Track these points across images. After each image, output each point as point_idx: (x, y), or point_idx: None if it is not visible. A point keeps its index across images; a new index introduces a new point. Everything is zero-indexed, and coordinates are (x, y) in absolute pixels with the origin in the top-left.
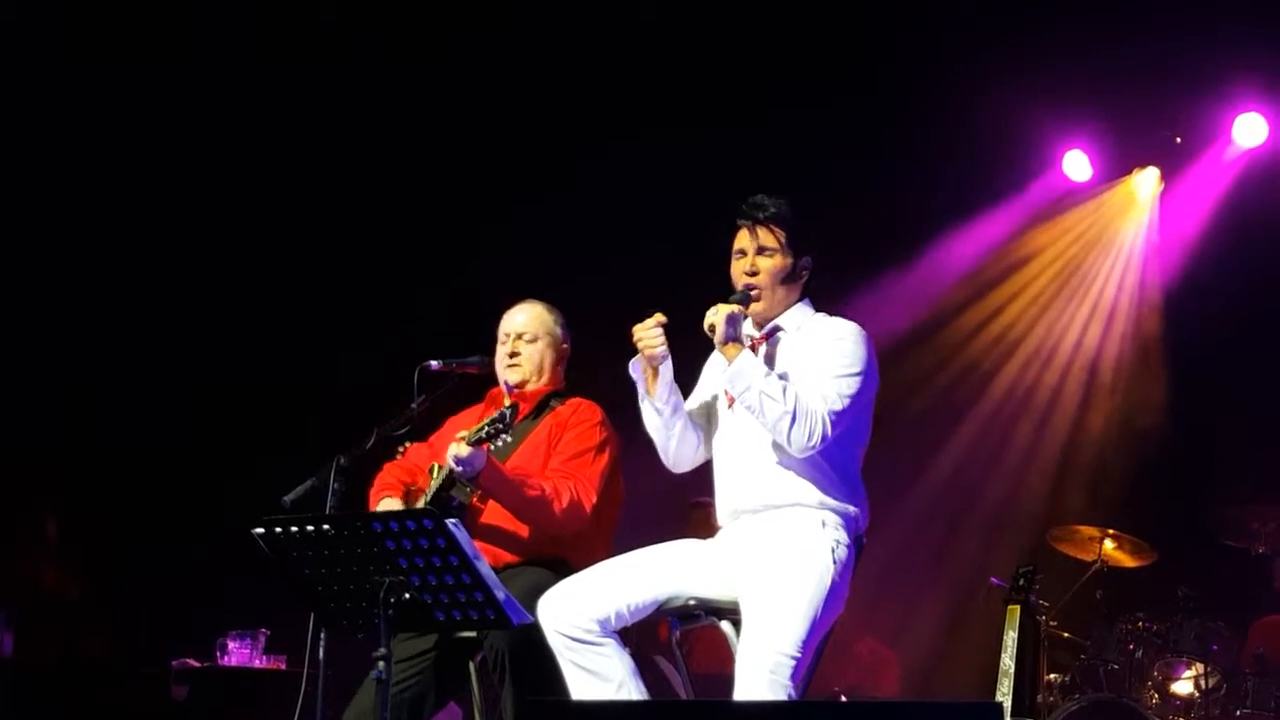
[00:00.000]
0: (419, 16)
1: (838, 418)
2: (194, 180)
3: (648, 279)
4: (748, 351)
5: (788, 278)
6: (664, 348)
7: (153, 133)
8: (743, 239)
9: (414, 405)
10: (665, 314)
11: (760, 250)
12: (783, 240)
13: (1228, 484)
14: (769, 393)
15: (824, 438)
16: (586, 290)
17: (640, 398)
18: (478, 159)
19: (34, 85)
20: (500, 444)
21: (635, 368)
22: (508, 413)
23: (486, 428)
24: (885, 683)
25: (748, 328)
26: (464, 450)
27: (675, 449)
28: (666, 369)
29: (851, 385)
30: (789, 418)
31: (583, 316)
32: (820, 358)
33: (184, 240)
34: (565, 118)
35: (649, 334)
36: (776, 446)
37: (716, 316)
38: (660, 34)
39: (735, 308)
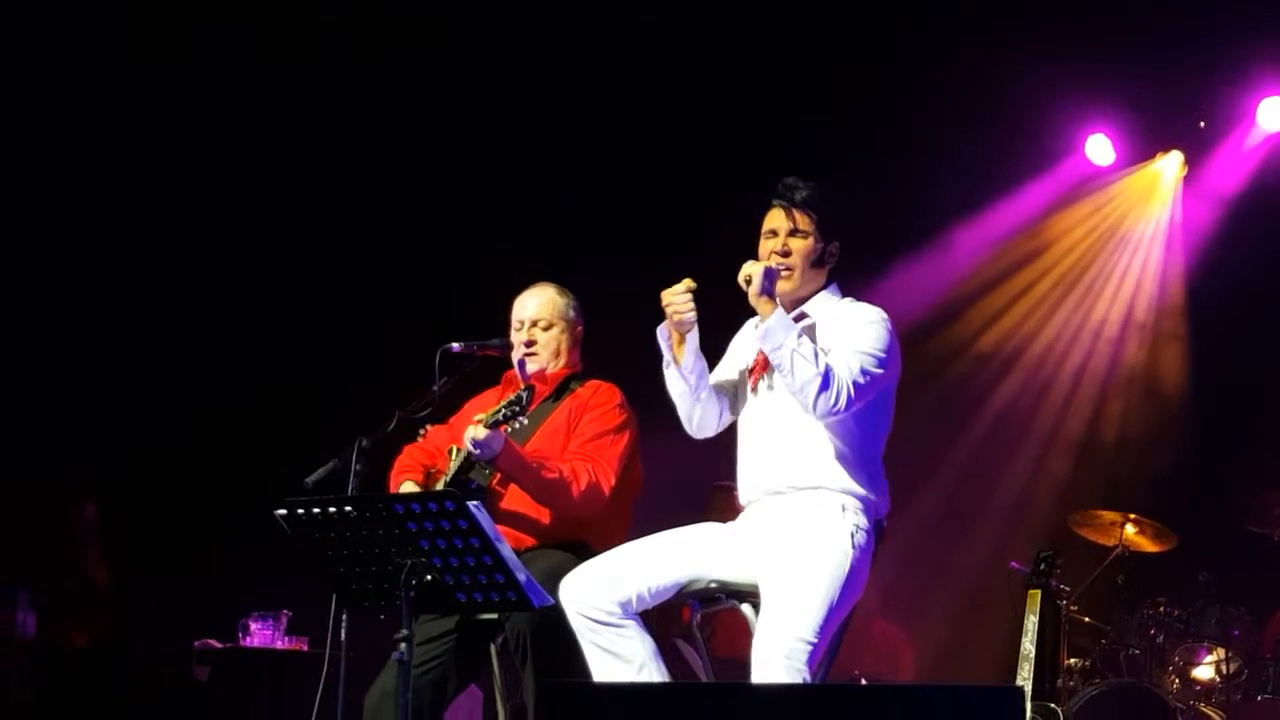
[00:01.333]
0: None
1: (860, 391)
2: (223, 170)
3: (670, 260)
4: (781, 309)
5: (817, 261)
6: (693, 314)
7: (173, 125)
8: (775, 219)
9: (435, 387)
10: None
11: (793, 231)
12: (815, 223)
13: (1249, 469)
14: (801, 353)
15: (848, 405)
16: (607, 273)
17: (665, 364)
18: (503, 145)
19: (48, 85)
20: (518, 425)
21: (663, 333)
22: (524, 394)
23: (504, 410)
24: (900, 665)
25: (752, 326)
26: (481, 433)
27: (699, 417)
28: (693, 337)
29: (877, 365)
30: (819, 380)
31: (604, 300)
32: (849, 335)
33: (205, 231)
34: (596, 107)
35: (678, 299)
36: (801, 428)
37: (755, 268)
38: (682, 27)
39: (772, 263)
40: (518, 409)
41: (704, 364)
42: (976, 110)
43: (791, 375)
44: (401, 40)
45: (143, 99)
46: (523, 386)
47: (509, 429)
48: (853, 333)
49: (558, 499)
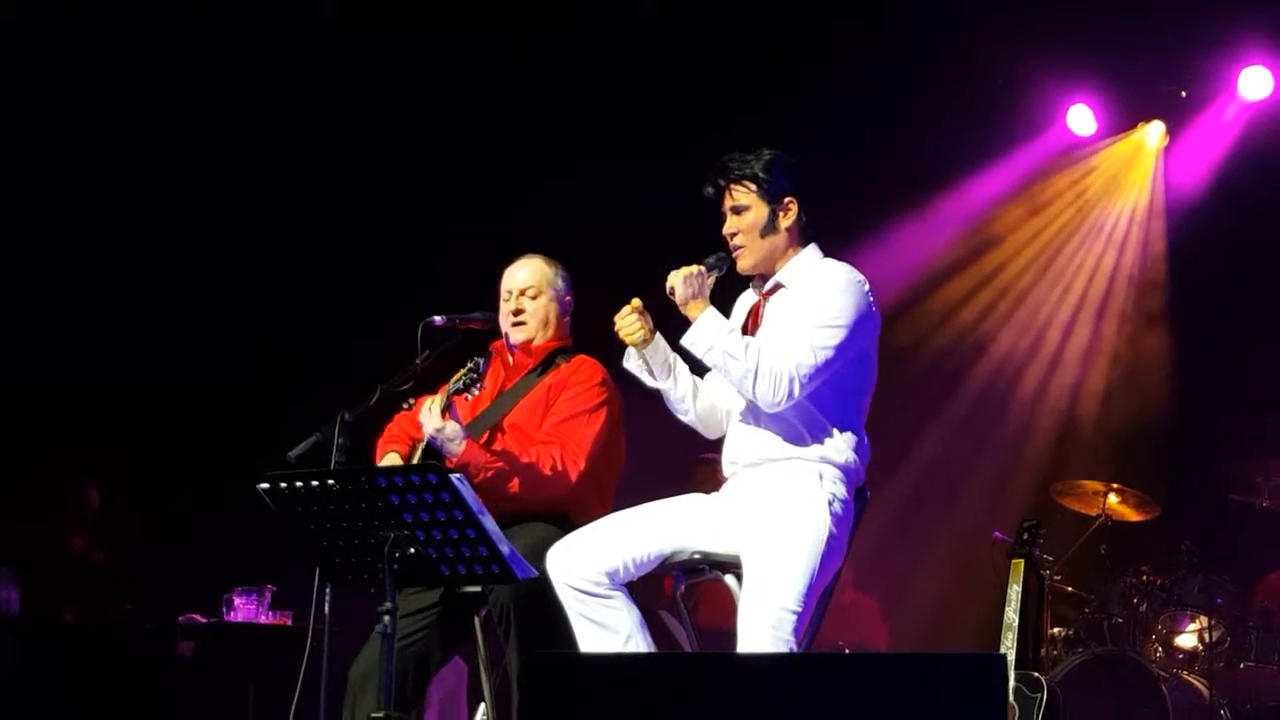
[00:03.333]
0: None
1: (814, 372)
2: (210, 151)
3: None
4: (710, 310)
5: (767, 228)
6: (642, 333)
7: (170, 119)
8: (723, 201)
9: (418, 361)
10: (642, 298)
11: (734, 209)
12: (754, 192)
13: (1231, 438)
14: (730, 351)
15: (791, 394)
16: (596, 248)
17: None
18: (493, 124)
19: (42, 73)
20: (477, 391)
21: (629, 361)
22: (481, 362)
23: (462, 379)
24: (870, 632)
25: (750, 295)
26: (432, 423)
27: (705, 418)
28: (655, 349)
29: (833, 336)
30: (752, 375)
31: (592, 275)
32: (802, 309)
33: (194, 211)
34: (589, 94)
35: (624, 320)
36: None
37: (675, 279)
38: (667, 13)
39: (693, 268)
40: (475, 377)
41: (684, 370)
42: (958, 81)
43: (728, 373)
44: (392, 24)
45: (134, 87)
46: (481, 356)
47: (467, 396)
48: (809, 309)
49: (522, 484)
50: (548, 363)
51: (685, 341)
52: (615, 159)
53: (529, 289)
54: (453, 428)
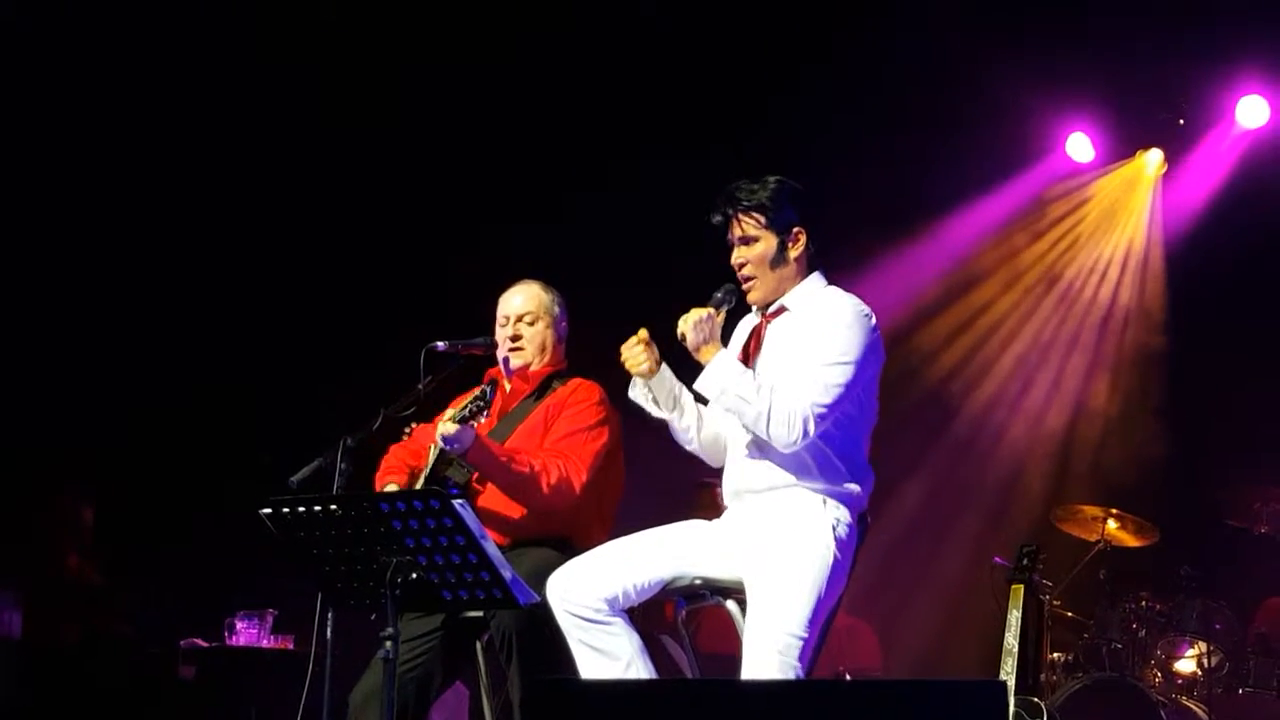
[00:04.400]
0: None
1: (827, 410)
2: (210, 163)
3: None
4: (722, 353)
5: (776, 259)
6: (649, 363)
7: (162, 131)
8: (730, 231)
9: (420, 386)
10: (647, 328)
11: (743, 240)
12: (762, 223)
13: (1229, 465)
14: (743, 394)
15: (805, 434)
16: (599, 276)
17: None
18: (496, 146)
19: (41, 76)
20: (483, 420)
21: (634, 392)
22: (488, 389)
23: (470, 406)
24: (866, 657)
25: (753, 317)
26: (451, 428)
27: (710, 447)
28: (661, 380)
29: (843, 374)
30: (765, 418)
31: (595, 301)
32: (811, 347)
33: (197, 231)
34: (594, 108)
35: (631, 353)
36: None
37: (685, 325)
38: (676, 27)
39: (703, 312)
40: (482, 404)
41: (689, 401)
42: (959, 109)
43: (741, 415)
44: (394, 37)
45: (136, 90)
46: (487, 383)
47: (474, 424)
48: (817, 345)
49: (528, 492)
50: (544, 388)
51: (699, 386)
52: (617, 187)
53: (526, 315)
54: (468, 431)
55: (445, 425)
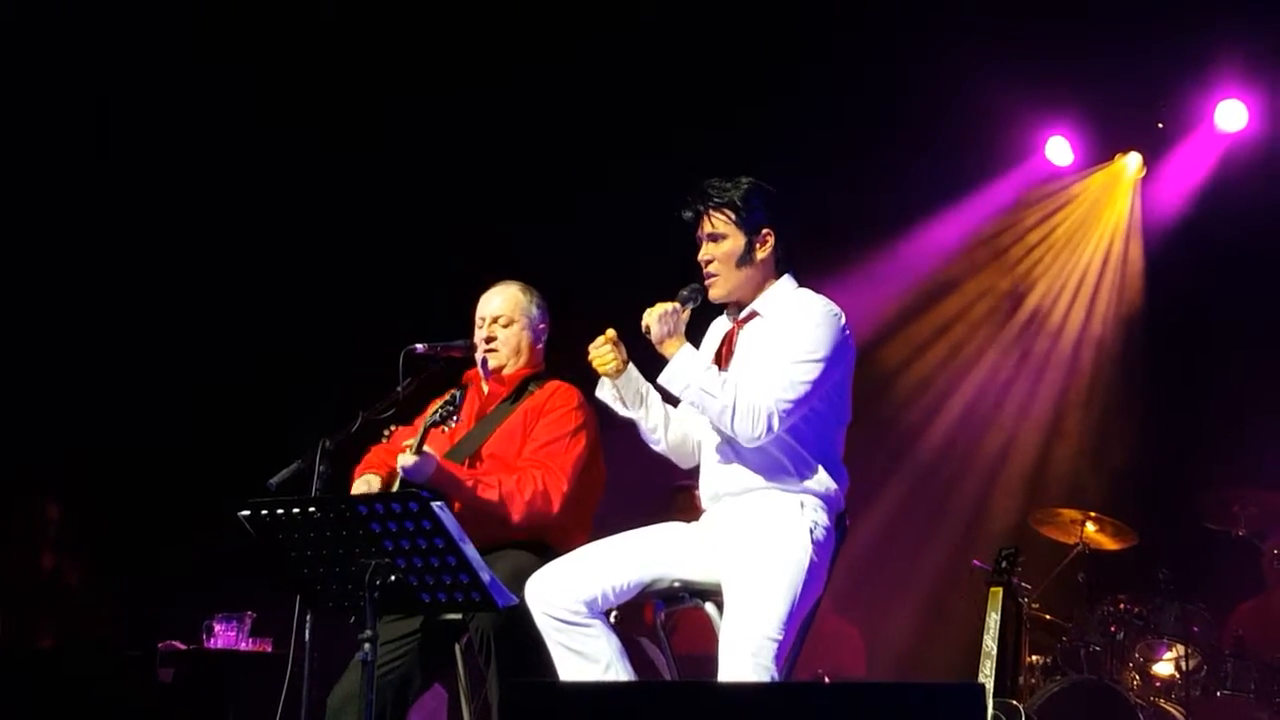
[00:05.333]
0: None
1: (793, 405)
2: (190, 171)
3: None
4: (686, 347)
5: (743, 258)
6: (616, 363)
7: (148, 135)
8: (700, 227)
9: (399, 388)
10: (613, 329)
11: (711, 237)
12: (732, 221)
13: (1207, 468)
14: (707, 388)
15: (770, 429)
16: (574, 271)
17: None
18: (478, 149)
19: (33, 80)
20: (453, 424)
21: (602, 391)
22: (458, 394)
23: (439, 411)
24: (850, 658)
25: (723, 321)
26: (409, 460)
27: (677, 448)
28: (628, 379)
29: (811, 371)
30: (729, 412)
31: (569, 297)
32: (780, 344)
33: (172, 237)
34: (576, 111)
35: (599, 352)
36: None
37: (650, 318)
38: (658, 29)
39: (668, 306)
40: (451, 409)
41: (656, 400)
42: (937, 112)
43: (705, 409)
44: (379, 41)
45: (129, 97)
46: (459, 387)
47: (445, 428)
48: (787, 342)
49: (496, 516)
50: (520, 390)
51: (662, 380)
52: (603, 189)
53: (501, 317)
54: (428, 461)
55: (404, 457)
